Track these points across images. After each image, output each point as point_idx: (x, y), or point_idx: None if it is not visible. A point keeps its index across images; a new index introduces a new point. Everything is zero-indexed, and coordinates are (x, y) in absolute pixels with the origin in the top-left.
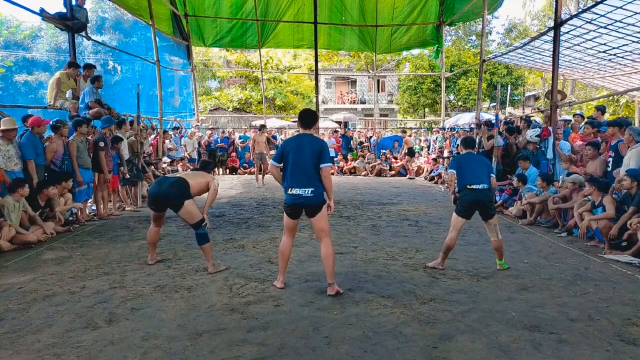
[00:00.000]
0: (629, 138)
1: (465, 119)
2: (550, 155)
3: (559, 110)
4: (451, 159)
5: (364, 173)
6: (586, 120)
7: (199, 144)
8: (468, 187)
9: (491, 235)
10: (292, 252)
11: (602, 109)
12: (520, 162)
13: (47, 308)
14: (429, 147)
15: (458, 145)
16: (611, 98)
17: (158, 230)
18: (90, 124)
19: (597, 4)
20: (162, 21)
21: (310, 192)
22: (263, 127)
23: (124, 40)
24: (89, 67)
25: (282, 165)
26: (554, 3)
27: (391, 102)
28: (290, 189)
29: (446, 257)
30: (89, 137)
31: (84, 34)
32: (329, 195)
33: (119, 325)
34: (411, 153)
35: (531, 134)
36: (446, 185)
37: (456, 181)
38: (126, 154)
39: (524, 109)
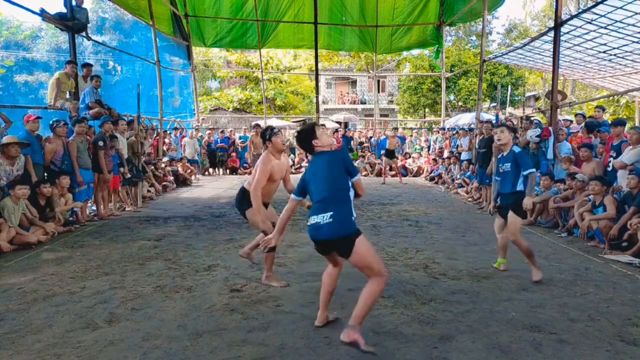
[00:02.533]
0: (633, 137)
1: (465, 119)
2: (550, 155)
3: (559, 110)
4: (451, 158)
5: (364, 173)
6: (586, 121)
7: (200, 143)
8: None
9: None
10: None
11: (602, 108)
12: None
13: (47, 308)
14: (429, 147)
15: (458, 145)
16: (611, 98)
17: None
18: (86, 122)
19: (597, 4)
20: (162, 21)
21: (328, 217)
22: (257, 125)
23: (123, 40)
24: (87, 65)
25: (301, 199)
26: (554, 3)
27: (391, 102)
28: (309, 219)
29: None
30: (89, 137)
31: (84, 34)
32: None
33: (119, 325)
34: (389, 154)
35: (531, 134)
36: (455, 188)
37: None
38: (124, 154)
39: (524, 109)
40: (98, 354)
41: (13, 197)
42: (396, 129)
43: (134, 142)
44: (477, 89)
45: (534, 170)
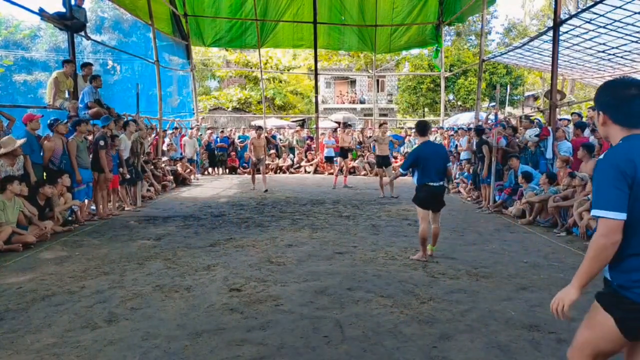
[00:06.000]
0: None
1: (464, 119)
2: (549, 154)
3: (557, 109)
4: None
5: (363, 172)
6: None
7: (200, 143)
8: (427, 184)
9: (434, 223)
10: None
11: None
12: (510, 160)
13: (46, 308)
14: None
15: (457, 145)
16: None
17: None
18: (89, 123)
19: (596, 3)
20: (161, 21)
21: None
22: (260, 128)
23: (123, 40)
24: (87, 65)
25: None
26: (553, 3)
27: (390, 101)
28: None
29: (425, 247)
30: (89, 137)
31: (82, 33)
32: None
33: (118, 325)
34: (343, 154)
35: (530, 134)
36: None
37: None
38: (126, 154)
39: (523, 109)
40: (97, 354)
41: (7, 192)
42: (345, 123)
43: (133, 142)
44: (476, 89)
45: (404, 172)
